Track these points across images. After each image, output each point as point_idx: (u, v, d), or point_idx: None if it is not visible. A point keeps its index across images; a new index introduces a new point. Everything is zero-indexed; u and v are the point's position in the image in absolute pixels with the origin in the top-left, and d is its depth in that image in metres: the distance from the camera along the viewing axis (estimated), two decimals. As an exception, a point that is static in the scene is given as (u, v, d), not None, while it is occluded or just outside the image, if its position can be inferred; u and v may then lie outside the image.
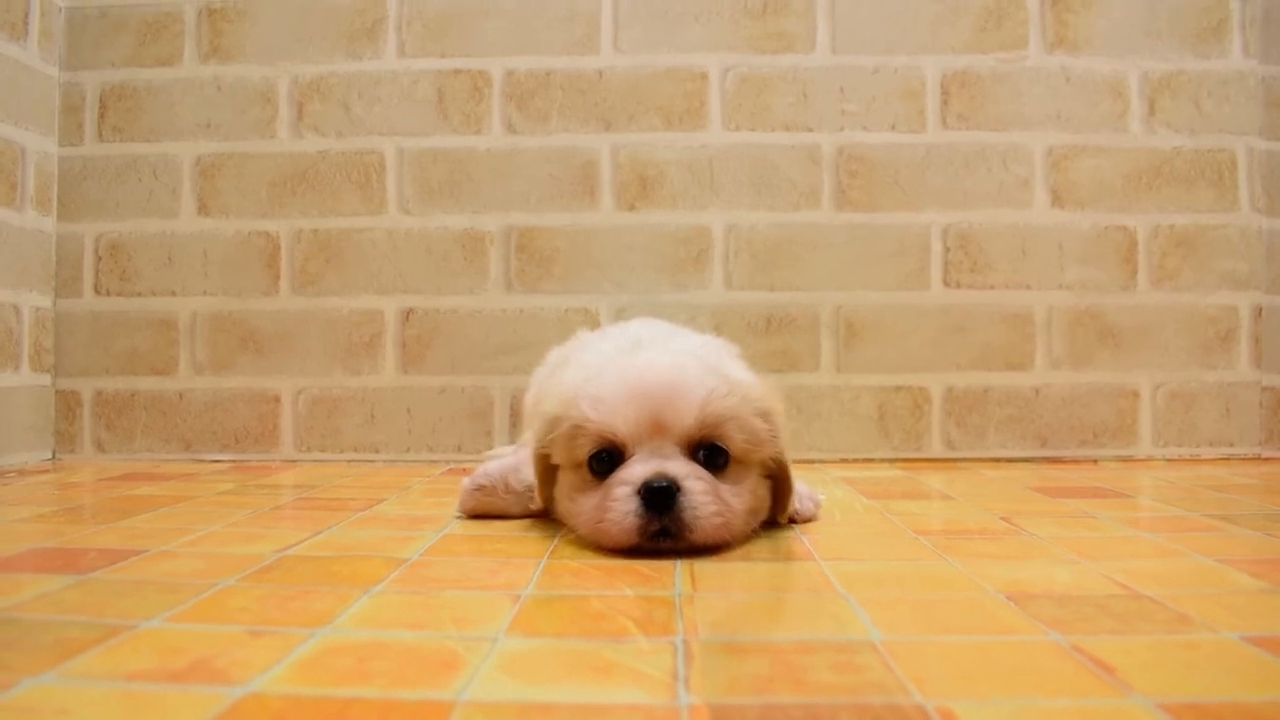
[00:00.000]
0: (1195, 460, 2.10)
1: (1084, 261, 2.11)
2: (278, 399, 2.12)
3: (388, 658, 0.72)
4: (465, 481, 1.37)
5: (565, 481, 1.22)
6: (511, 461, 1.39)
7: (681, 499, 1.09)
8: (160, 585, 0.94)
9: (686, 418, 1.14)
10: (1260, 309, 2.12)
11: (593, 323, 2.03)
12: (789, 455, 1.22)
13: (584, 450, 1.17)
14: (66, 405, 2.14)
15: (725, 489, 1.14)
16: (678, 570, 1.01)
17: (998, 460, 2.09)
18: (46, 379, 2.13)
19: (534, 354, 1.81)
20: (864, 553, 1.12)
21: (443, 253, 2.11)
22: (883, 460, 2.09)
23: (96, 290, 2.15)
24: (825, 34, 2.12)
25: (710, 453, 1.16)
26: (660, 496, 1.09)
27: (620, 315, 2.05)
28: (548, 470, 1.25)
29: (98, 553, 1.09)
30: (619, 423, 1.14)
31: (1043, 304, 2.10)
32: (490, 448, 2.03)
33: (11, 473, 1.90)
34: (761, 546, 1.15)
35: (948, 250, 2.11)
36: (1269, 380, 2.13)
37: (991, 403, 2.10)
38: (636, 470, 1.12)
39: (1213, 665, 0.71)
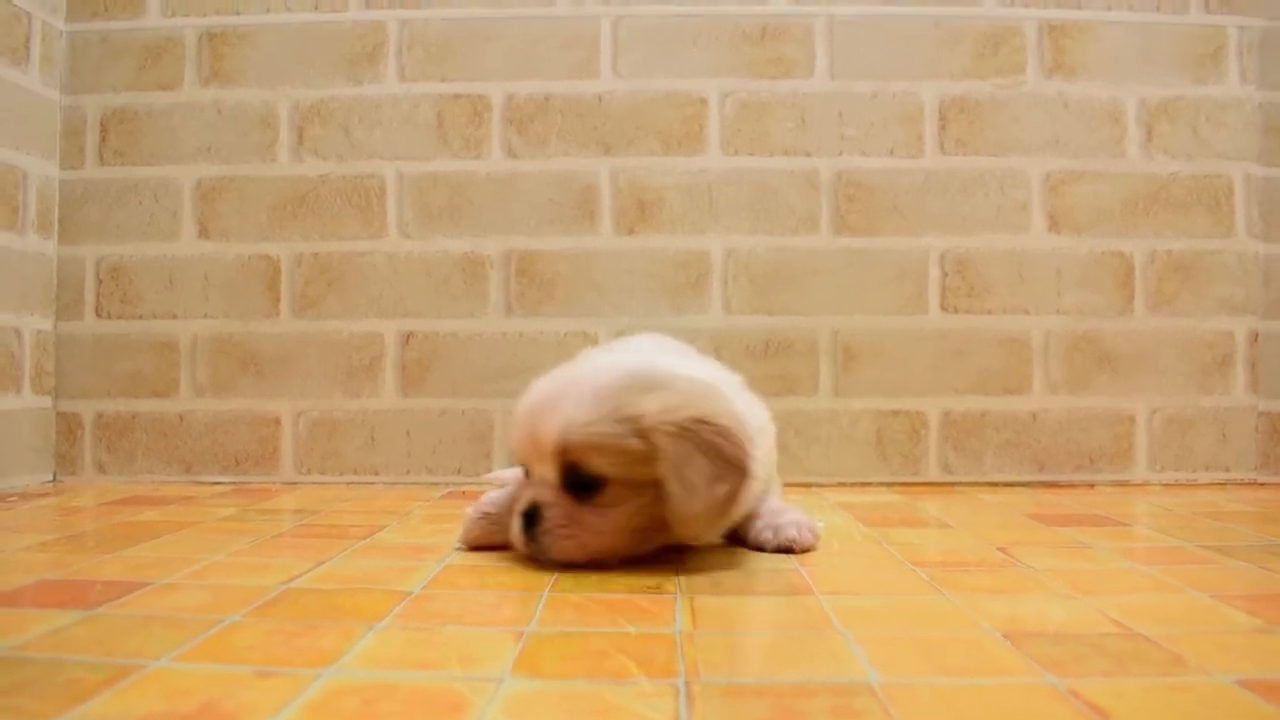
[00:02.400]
0: (1191, 485, 2.10)
1: (1081, 286, 2.12)
2: (278, 421, 2.13)
3: (395, 700, 0.73)
4: (469, 511, 1.37)
5: None
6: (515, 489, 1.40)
7: (539, 524, 1.22)
8: (166, 621, 0.94)
9: (549, 446, 1.21)
10: (1256, 334, 2.14)
11: (592, 346, 2.03)
12: (680, 471, 1.18)
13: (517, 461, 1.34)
14: (68, 427, 2.15)
15: (590, 513, 1.21)
16: (678, 605, 1.02)
17: (995, 484, 2.10)
18: (48, 401, 2.14)
19: (533, 378, 1.81)
20: (862, 586, 1.13)
21: (443, 276, 2.12)
22: (880, 484, 2.10)
23: (98, 313, 2.16)
24: (824, 59, 2.14)
25: (580, 475, 1.21)
26: (529, 522, 1.23)
27: (619, 338, 2.05)
28: None
29: (104, 585, 1.10)
30: (516, 445, 1.31)
31: (1040, 329, 2.12)
32: (490, 470, 2.04)
33: (13, 496, 1.90)
34: (761, 580, 1.17)
35: (945, 275, 2.12)
36: (1265, 405, 2.14)
37: (989, 427, 2.11)
38: (523, 495, 1.27)
39: (1206, 710, 0.72)
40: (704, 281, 2.11)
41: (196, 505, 1.78)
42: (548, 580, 1.14)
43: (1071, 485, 2.10)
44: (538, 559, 1.23)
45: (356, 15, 2.16)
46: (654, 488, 1.19)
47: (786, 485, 1.79)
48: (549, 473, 1.23)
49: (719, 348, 2.01)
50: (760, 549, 1.32)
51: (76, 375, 2.16)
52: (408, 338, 2.12)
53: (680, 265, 2.12)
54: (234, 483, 2.11)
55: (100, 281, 2.16)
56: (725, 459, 1.18)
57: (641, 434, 1.18)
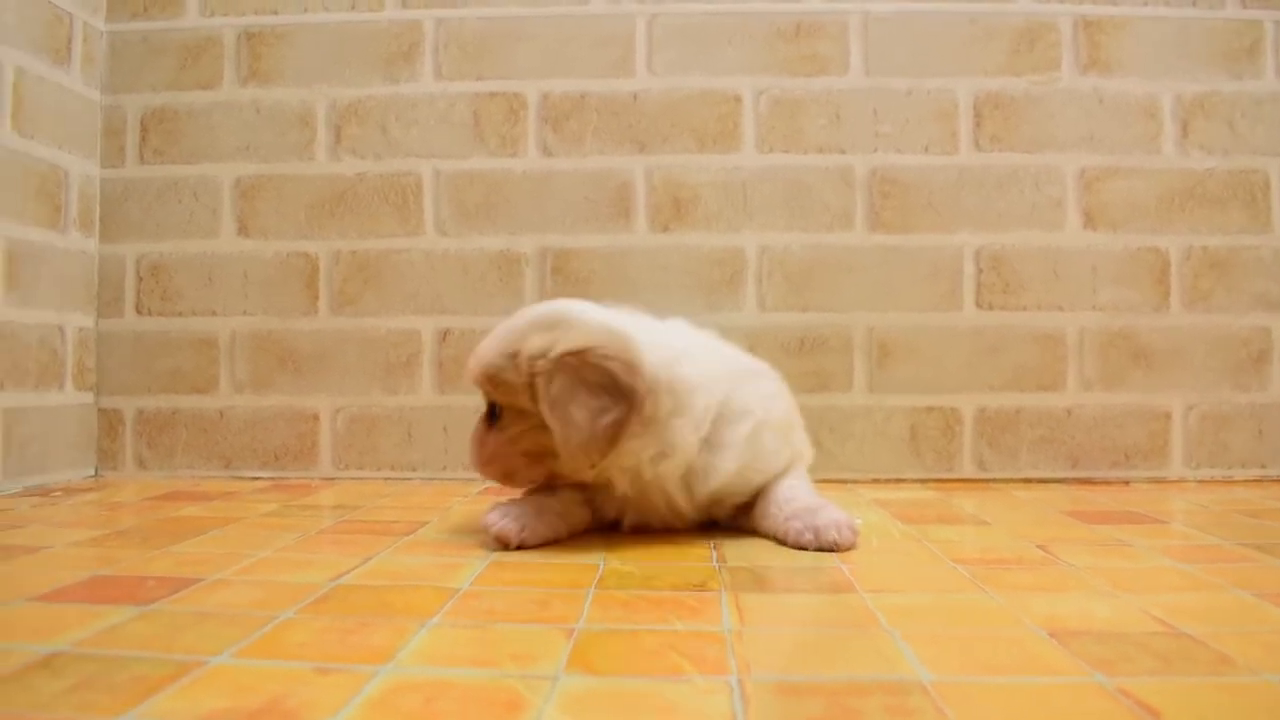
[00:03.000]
0: (1227, 482, 2.10)
1: (1116, 283, 2.12)
2: (316, 417, 2.15)
3: (453, 698, 0.74)
4: (495, 516, 1.36)
5: None
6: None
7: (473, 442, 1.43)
8: (221, 617, 0.96)
9: (472, 376, 1.39)
10: (1292, 330, 2.13)
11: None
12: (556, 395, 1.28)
13: None
14: (109, 423, 2.18)
15: (491, 434, 1.40)
16: (724, 603, 1.03)
17: (1029, 481, 2.10)
18: (89, 397, 2.16)
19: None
20: (905, 584, 1.13)
21: (479, 274, 2.14)
22: (914, 481, 2.10)
23: (138, 310, 2.18)
24: (858, 56, 2.14)
25: (491, 405, 1.41)
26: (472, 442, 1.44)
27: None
28: None
29: (155, 581, 1.11)
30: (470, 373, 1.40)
31: (1075, 325, 2.12)
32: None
33: (58, 491, 1.92)
34: (803, 577, 1.17)
35: (980, 271, 2.12)
36: (1301, 401, 2.14)
37: (1023, 423, 2.11)
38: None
39: (1258, 711, 0.73)
40: (739, 279, 2.12)
41: (238, 501, 1.80)
42: (593, 577, 1.16)
43: (1107, 482, 2.10)
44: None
45: (393, 14, 2.17)
46: (536, 416, 1.31)
47: (822, 481, 1.80)
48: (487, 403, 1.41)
49: (753, 345, 2.01)
50: (802, 549, 1.32)
51: (117, 372, 2.18)
52: (445, 335, 2.13)
53: (715, 262, 2.12)
54: (273, 478, 2.14)
55: (140, 279, 2.18)
56: (609, 389, 1.26)
57: (518, 368, 1.31)
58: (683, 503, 1.42)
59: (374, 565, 1.22)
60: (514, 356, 1.31)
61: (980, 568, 1.21)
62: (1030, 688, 0.77)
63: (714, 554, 1.30)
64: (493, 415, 1.39)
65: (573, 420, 1.25)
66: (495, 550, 1.31)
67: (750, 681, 0.78)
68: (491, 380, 1.34)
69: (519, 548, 1.32)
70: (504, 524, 1.32)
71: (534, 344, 1.29)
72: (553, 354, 1.27)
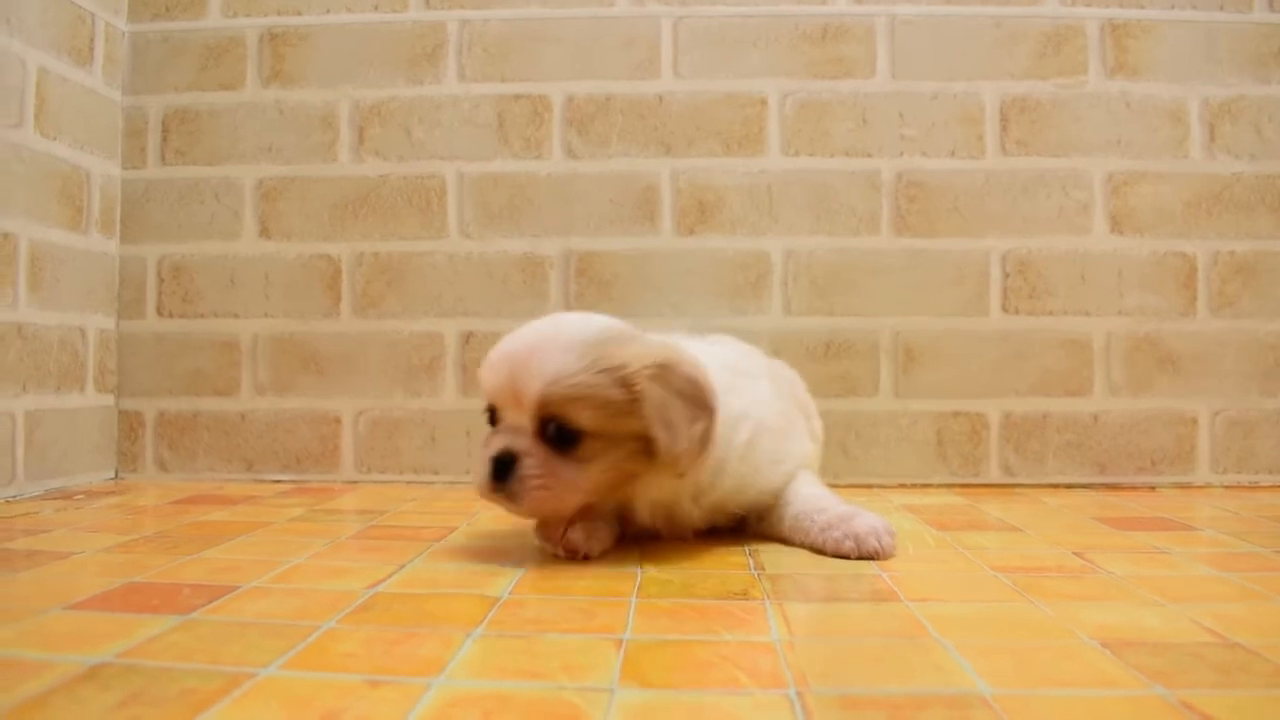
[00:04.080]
0: (1254, 488, 2.09)
1: (1143, 288, 2.11)
2: (338, 420, 2.14)
3: (511, 712, 0.73)
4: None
5: None
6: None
7: (513, 472, 1.24)
8: (264, 627, 0.95)
9: (532, 397, 1.23)
10: (1320, 335, 2.12)
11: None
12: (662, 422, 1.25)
13: (484, 404, 1.34)
14: (129, 425, 2.17)
15: (566, 466, 1.25)
16: (769, 612, 1.02)
17: (1055, 486, 2.09)
18: (110, 399, 2.15)
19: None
20: (948, 593, 1.12)
21: (503, 276, 2.13)
22: (941, 486, 2.09)
23: (159, 312, 2.17)
24: (885, 59, 2.13)
25: (560, 428, 1.24)
26: (500, 469, 1.25)
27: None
28: None
29: (191, 589, 1.10)
30: (489, 391, 1.31)
31: (1101, 330, 2.10)
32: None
33: (79, 494, 1.92)
34: (844, 585, 1.16)
35: (1007, 276, 2.11)
36: (1328, 407, 2.13)
37: (1050, 429, 2.10)
38: (494, 441, 1.28)
39: (1327, 726, 0.72)
40: (764, 282, 2.11)
41: (262, 505, 1.79)
42: (632, 585, 1.15)
43: (1133, 487, 2.09)
44: (503, 506, 1.28)
45: (416, 15, 2.16)
46: (630, 441, 1.25)
47: (848, 486, 1.79)
48: (525, 422, 1.25)
49: (779, 349, 2.01)
50: (842, 557, 1.31)
51: (138, 374, 2.17)
52: (468, 337, 2.12)
53: (740, 266, 2.11)
54: (295, 481, 2.13)
55: (162, 280, 2.17)
56: (696, 400, 1.26)
57: (623, 383, 1.23)
58: (690, 511, 1.41)
59: (409, 573, 1.21)
60: (614, 371, 1.23)
61: (1021, 576, 1.20)
62: (1092, 701, 0.76)
63: (750, 561, 1.29)
64: (560, 442, 1.25)
65: (678, 429, 1.24)
66: (565, 559, 1.29)
67: (810, 694, 0.76)
68: (580, 401, 1.23)
69: (585, 558, 1.30)
70: (572, 534, 1.30)
71: (631, 357, 1.25)
72: (652, 365, 1.24)
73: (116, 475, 2.16)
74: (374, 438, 2.13)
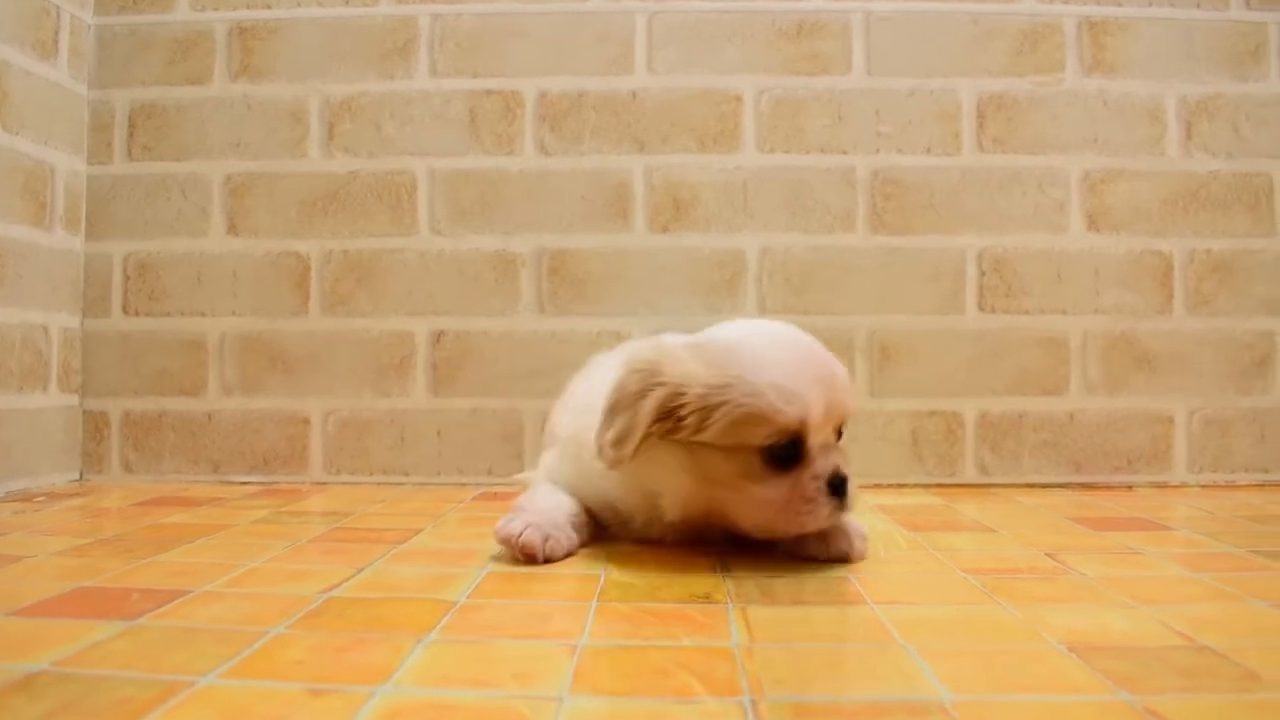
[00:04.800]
0: (1230, 487, 2.08)
1: (1119, 286, 2.10)
2: (307, 420, 2.11)
3: (455, 721, 0.71)
4: (516, 525, 1.28)
5: (717, 464, 1.24)
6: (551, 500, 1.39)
7: (848, 487, 1.24)
8: (211, 633, 0.92)
9: (851, 405, 1.28)
10: (1297, 335, 2.11)
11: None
12: None
13: (761, 438, 1.20)
14: (94, 426, 2.14)
15: None
16: (730, 616, 0.99)
17: (1031, 486, 2.07)
18: (74, 399, 2.12)
19: (566, 377, 1.79)
20: (916, 595, 1.10)
21: (474, 274, 2.10)
22: (916, 485, 2.07)
23: (125, 310, 2.14)
24: (861, 56, 2.11)
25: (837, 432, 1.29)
26: (841, 488, 1.23)
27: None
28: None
29: (141, 594, 1.08)
30: (811, 415, 1.21)
31: (1078, 329, 2.09)
32: (520, 471, 2.02)
33: (41, 496, 1.89)
34: (811, 588, 1.14)
35: (983, 274, 2.09)
36: (1305, 406, 2.11)
37: (1026, 428, 2.09)
38: (822, 465, 1.22)
39: (1291, 732, 0.70)
40: (739, 280, 2.09)
41: (227, 507, 1.77)
42: (594, 589, 1.12)
43: (1109, 487, 2.07)
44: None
45: (388, 10, 2.14)
46: None
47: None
48: (830, 437, 1.26)
49: (753, 347, 1.99)
50: (811, 560, 1.29)
51: (104, 373, 2.14)
52: (438, 336, 2.10)
53: (715, 264, 2.09)
54: (262, 483, 2.10)
55: (128, 278, 2.14)
56: None
57: None
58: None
59: (367, 576, 1.19)
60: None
61: (992, 578, 1.18)
62: (1054, 707, 0.74)
63: (718, 564, 1.26)
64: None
65: None
66: (524, 564, 1.25)
67: (764, 702, 0.74)
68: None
69: (546, 561, 1.26)
70: (529, 535, 1.25)
71: None
72: None
73: (81, 477, 2.13)
74: (343, 438, 2.10)
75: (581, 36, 2.12)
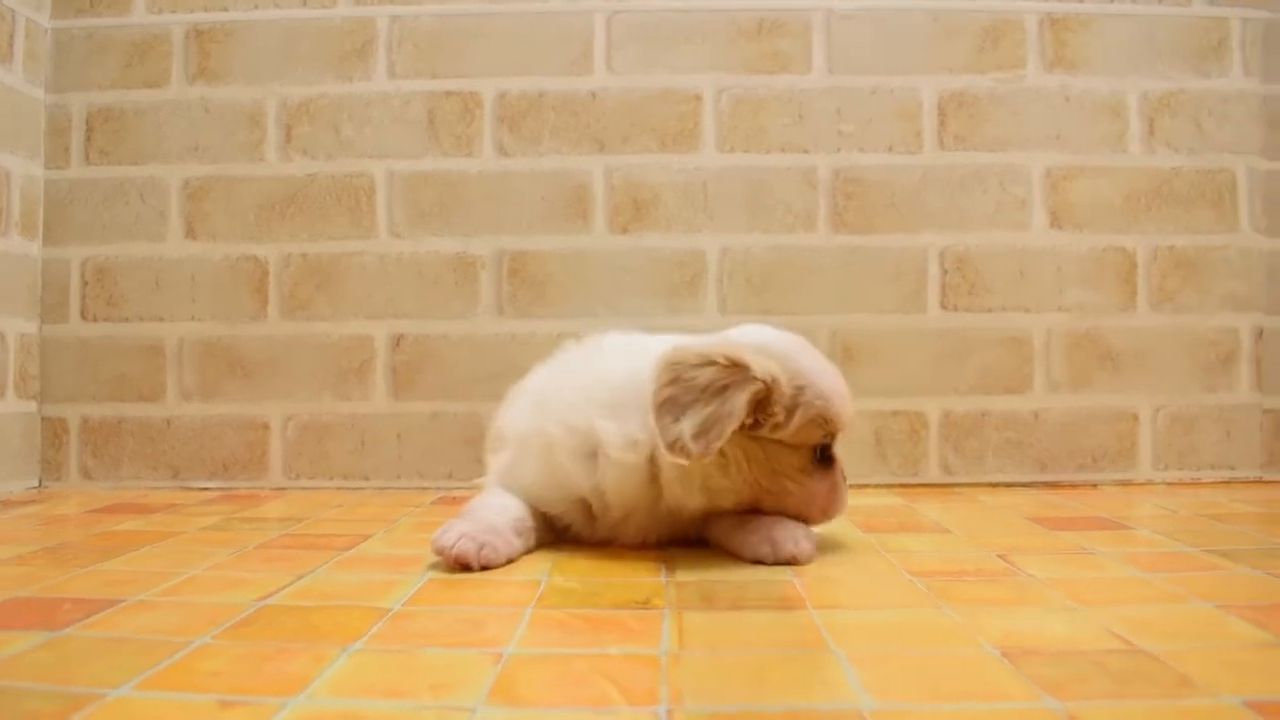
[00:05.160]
0: (1196, 484, 2.07)
1: (1083, 283, 2.09)
2: (266, 426, 2.09)
3: (359, 735, 0.69)
4: (456, 532, 1.26)
5: (784, 459, 1.32)
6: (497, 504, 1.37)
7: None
8: (135, 644, 0.91)
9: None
10: (1261, 331, 2.10)
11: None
12: None
13: (819, 437, 1.33)
14: (53, 432, 2.12)
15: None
16: (666, 623, 0.98)
17: (996, 485, 2.06)
18: (33, 406, 2.10)
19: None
20: (859, 600, 1.09)
21: (434, 277, 2.09)
22: (880, 486, 2.06)
23: (83, 315, 2.12)
24: (821, 54, 2.10)
25: None
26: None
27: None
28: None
29: (73, 603, 1.06)
30: (847, 418, 1.35)
31: (1041, 326, 2.08)
32: (481, 475, 2.00)
33: (-4, 503, 1.87)
34: (753, 592, 1.12)
35: (945, 272, 2.08)
36: (1270, 403, 2.11)
37: (989, 427, 2.08)
38: (842, 464, 1.39)
39: (1214, 739, 0.69)
40: (699, 281, 2.08)
41: (181, 513, 1.75)
42: (533, 594, 1.11)
43: (1074, 485, 2.06)
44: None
45: (346, 11, 2.12)
46: None
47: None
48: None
49: (715, 348, 1.98)
50: (759, 562, 1.28)
51: (62, 379, 2.12)
52: (398, 340, 2.08)
53: (675, 264, 2.08)
54: (222, 488, 2.08)
55: (86, 283, 2.13)
56: None
57: None
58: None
59: (306, 584, 1.17)
60: None
61: (938, 580, 1.17)
62: (973, 714, 0.73)
63: (664, 568, 1.25)
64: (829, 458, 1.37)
65: None
66: (456, 571, 1.23)
67: (681, 712, 0.73)
68: None
69: (483, 569, 1.24)
70: (462, 545, 1.23)
71: None
72: None
73: (40, 484, 2.12)
74: (303, 443, 2.09)
75: (541, 37, 2.11)
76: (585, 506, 1.38)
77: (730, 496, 1.32)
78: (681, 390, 1.22)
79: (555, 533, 1.41)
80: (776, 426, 1.28)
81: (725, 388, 1.21)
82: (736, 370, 1.22)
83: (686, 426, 1.20)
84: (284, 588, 1.14)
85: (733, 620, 1.01)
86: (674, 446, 1.21)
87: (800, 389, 1.28)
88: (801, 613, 1.03)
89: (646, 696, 0.76)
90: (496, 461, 1.53)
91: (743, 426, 1.24)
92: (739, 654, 0.90)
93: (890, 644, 0.91)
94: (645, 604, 1.07)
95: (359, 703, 0.76)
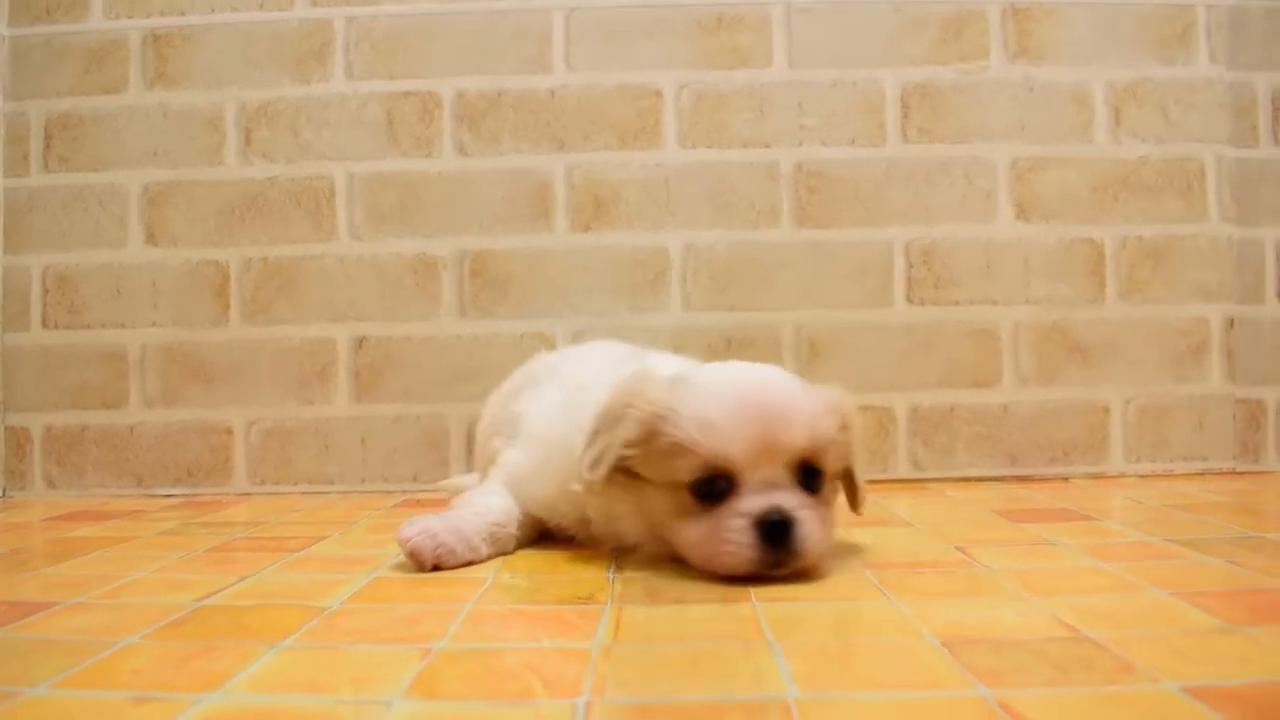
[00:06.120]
0: (1168, 475, 2.06)
1: (1050, 275, 2.07)
2: (230, 431, 2.08)
3: (268, 729, 0.68)
4: (418, 531, 1.23)
5: (654, 497, 1.20)
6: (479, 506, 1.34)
7: (794, 530, 1.11)
8: (61, 645, 0.89)
9: (800, 441, 1.16)
10: (1232, 320, 2.09)
11: (549, 348, 1.96)
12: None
13: (686, 473, 1.15)
14: (16, 442, 2.10)
15: (822, 511, 1.18)
16: (605, 617, 0.97)
17: (966, 480, 2.05)
18: (-6, 415, 2.09)
19: (490, 381, 1.77)
20: (804, 593, 1.07)
21: (395, 279, 2.07)
22: (849, 482, 2.05)
23: (45, 323, 2.10)
24: (782, 48, 2.09)
25: (809, 473, 1.18)
26: (777, 531, 1.10)
27: (578, 339, 2.01)
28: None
29: (9, 606, 1.05)
30: (734, 451, 1.13)
31: (1009, 319, 2.07)
32: (446, 477, 1.99)
33: (-44, 514, 1.86)
34: (700, 587, 1.11)
35: (911, 266, 2.07)
36: (1242, 392, 2.09)
37: (958, 421, 2.06)
38: (752, 503, 1.12)
39: (1146, 722, 0.68)
40: (663, 278, 2.06)
41: (141, 519, 1.73)
42: (477, 591, 1.10)
43: (1045, 479, 2.05)
44: (774, 576, 1.12)
45: (303, 14, 2.10)
46: (835, 479, 1.27)
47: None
48: (779, 474, 1.15)
49: (679, 345, 1.94)
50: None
51: (24, 387, 2.10)
52: (360, 342, 2.07)
53: (638, 262, 2.07)
54: (186, 495, 2.06)
55: (47, 291, 2.11)
56: None
57: (842, 420, 1.24)
58: None
59: (249, 584, 1.16)
60: (838, 413, 1.24)
61: (892, 573, 1.16)
62: (901, 703, 0.72)
63: (613, 564, 1.24)
64: (812, 489, 1.18)
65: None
66: (415, 570, 1.22)
67: (600, 703, 0.72)
68: (825, 450, 1.20)
69: (435, 568, 1.22)
70: (418, 540, 1.21)
71: (835, 393, 1.28)
72: (849, 401, 1.29)
73: (4, 494, 2.10)
74: (266, 448, 2.07)
75: (498, 35, 2.09)
76: (589, 526, 1.34)
77: (631, 533, 1.26)
78: (603, 417, 1.20)
79: (547, 535, 1.39)
80: (639, 460, 1.19)
81: (619, 418, 1.18)
82: (633, 397, 1.19)
83: (589, 453, 1.19)
84: (225, 588, 1.13)
85: (673, 614, 1.00)
86: (579, 475, 1.20)
87: (660, 417, 1.17)
88: (745, 605, 1.01)
89: (569, 689, 0.75)
90: (508, 456, 1.45)
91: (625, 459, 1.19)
92: (673, 647, 0.89)
93: (828, 635, 0.91)
94: (589, 599, 1.06)
95: (276, 698, 0.74)
